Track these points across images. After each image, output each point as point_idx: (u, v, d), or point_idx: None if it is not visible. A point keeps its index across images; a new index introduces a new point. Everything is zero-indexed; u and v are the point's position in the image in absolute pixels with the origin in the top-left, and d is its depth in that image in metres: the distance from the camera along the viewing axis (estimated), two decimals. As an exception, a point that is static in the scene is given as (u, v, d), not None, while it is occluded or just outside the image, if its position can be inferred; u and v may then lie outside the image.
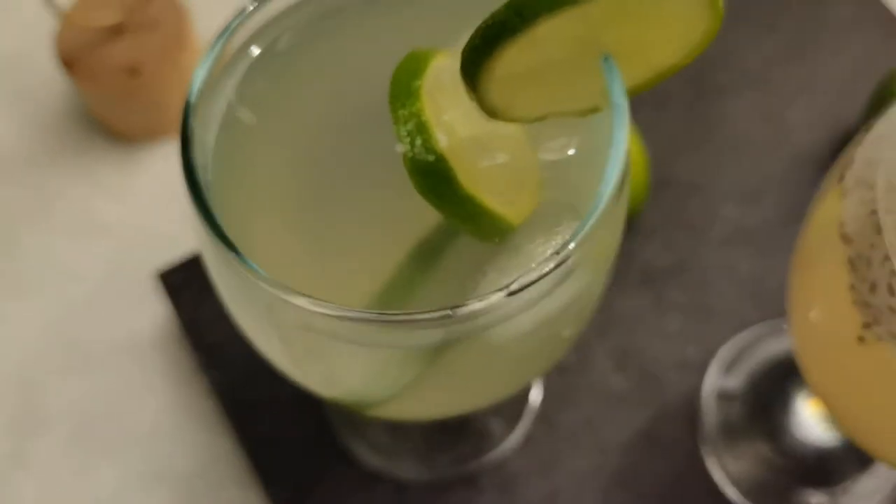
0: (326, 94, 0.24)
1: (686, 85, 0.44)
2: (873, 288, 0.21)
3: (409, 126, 0.21)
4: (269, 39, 0.24)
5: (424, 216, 0.22)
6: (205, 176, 0.22)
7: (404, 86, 0.21)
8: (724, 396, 0.37)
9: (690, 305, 0.39)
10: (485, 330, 0.20)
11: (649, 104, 0.43)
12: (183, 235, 0.44)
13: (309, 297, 0.19)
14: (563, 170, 0.22)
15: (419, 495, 0.36)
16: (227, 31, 0.23)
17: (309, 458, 0.37)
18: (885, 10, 0.46)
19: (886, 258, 0.21)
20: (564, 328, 0.24)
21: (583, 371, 0.38)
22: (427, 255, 0.22)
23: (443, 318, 0.19)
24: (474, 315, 0.19)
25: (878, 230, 0.21)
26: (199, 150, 0.22)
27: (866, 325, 0.22)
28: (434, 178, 0.21)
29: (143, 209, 0.46)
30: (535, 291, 0.20)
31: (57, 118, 0.49)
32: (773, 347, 0.38)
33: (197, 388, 0.42)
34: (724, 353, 0.38)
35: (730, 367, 0.38)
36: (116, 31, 0.45)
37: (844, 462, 0.36)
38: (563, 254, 0.20)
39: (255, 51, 0.24)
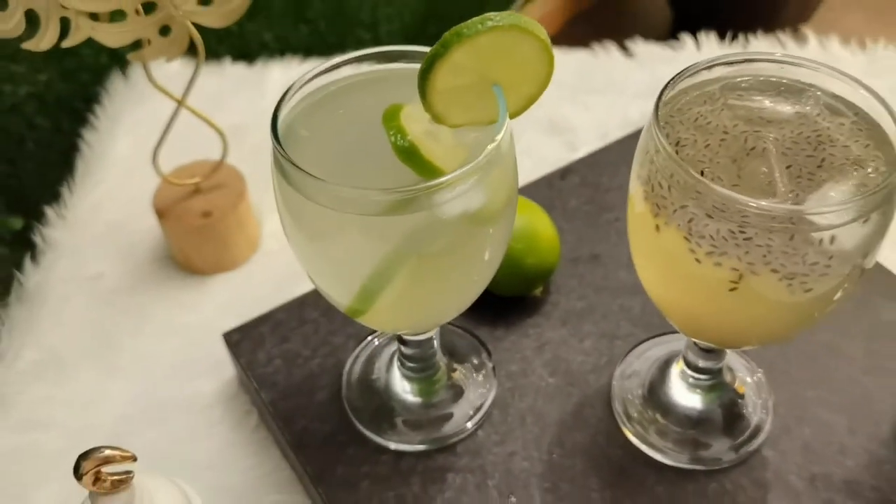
0: (346, 123, 0.40)
1: (584, 190, 0.61)
2: (653, 188, 0.37)
3: (394, 130, 0.38)
4: (311, 97, 0.41)
5: (401, 169, 0.37)
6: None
7: (390, 115, 0.38)
8: (626, 386, 0.50)
9: (599, 333, 0.53)
10: (440, 206, 0.35)
11: (560, 211, 0.60)
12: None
13: (336, 183, 0.34)
14: (475, 147, 0.38)
15: (412, 461, 0.48)
16: (290, 91, 0.40)
17: (334, 443, 0.49)
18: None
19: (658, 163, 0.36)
20: (488, 229, 0.39)
21: (526, 376, 0.51)
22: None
23: (418, 189, 0.34)
24: (437, 187, 0.34)
25: (657, 150, 0.36)
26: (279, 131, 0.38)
27: (656, 215, 0.37)
28: (406, 152, 0.37)
29: (207, 321, 0.61)
30: (466, 181, 0.35)
31: (148, 258, 0.65)
32: (655, 353, 0.52)
33: (245, 411, 0.55)
34: (625, 361, 0.52)
35: (629, 369, 0.51)
36: (196, 190, 0.63)
37: (712, 413, 0.49)
38: (476, 161, 0.35)
39: (302, 99, 0.41)
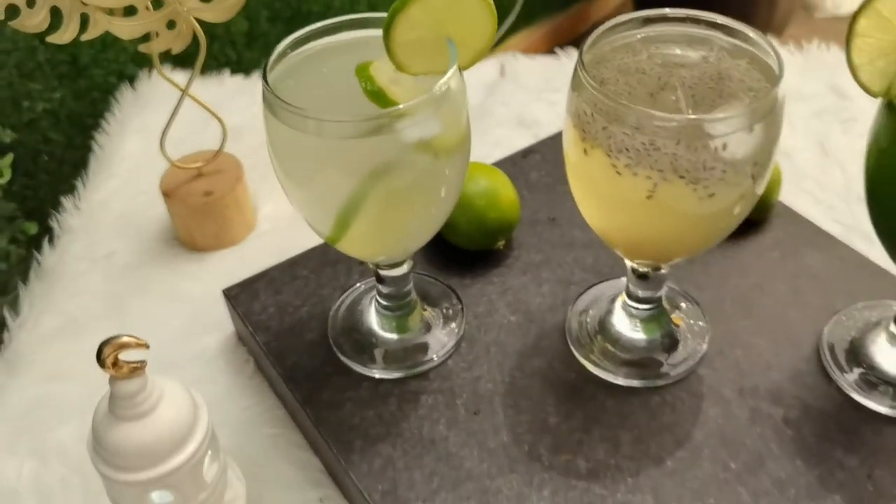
0: (327, 77, 0.47)
1: (544, 165, 0.68)
2: (580, 117, 0.43)
3: (364, 78, 0.45)
4: (298, 53, 0.48)
5: (372, 109, 0.44)
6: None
7: (362, 68, 0.45)
8: (578, 320, 0.57)
9: (556, 280, 0.60)
10: (401, 131, 0.42)
11: (522, 182, 0.67)
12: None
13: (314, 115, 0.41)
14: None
15: (389, 386, 0.54)
16: (277, 51, 0.47)
17: (321, 374, 0.55)
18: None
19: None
20: (443, 165, 0.45)
21: (490, 316, 0.58)
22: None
23: (386, 115, 0.41)
24: (396, 113, 0.41)
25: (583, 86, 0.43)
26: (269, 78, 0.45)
27: (583, 140, 0.44)
28: (375, 95, 0.44)
29: (212, 291, 0.67)
30: (421, 111, 0.42)
31: (156, 238, 0.72)
32: (604, 292, 0.58)
33: (244, 360, 0.61)
34: (579, 300, 0.58)
35: (581, 306, 0.58)
36: (199, 174, 0.70)
37: (653, 341, 0.55)
38: (429, 94, 0.42)
39: (292, 55, 0.47)
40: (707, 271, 0.60)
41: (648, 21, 0.47)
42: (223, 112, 0.69)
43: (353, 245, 0.49)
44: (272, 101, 0.43)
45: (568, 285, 0.60)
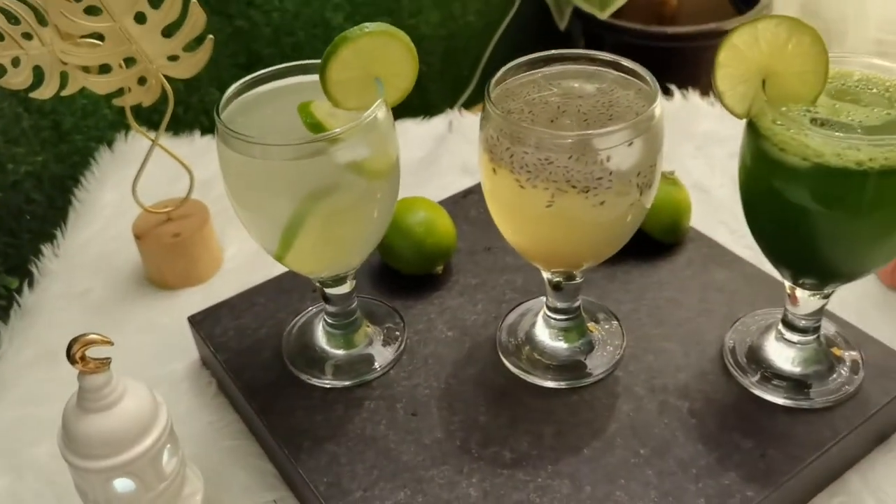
0: (272, 115, 0.54)
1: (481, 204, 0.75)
2: (488, 142, 0.50)
3: (305, 114, 0.51)
4: (248, 95, 0.55)
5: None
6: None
7: (303, 106, 0.52)
8: (507, 332, 0.62)
9: (489, 300, 0.66)
10: (335, 152, 0.49)
11: (462, 218, 0.73)
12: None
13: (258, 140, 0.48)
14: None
15: (336, 394, 0.59)
16: (229, 93, 0.54)
17: (275, 386, 0.60)
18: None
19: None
20: (374, 188, 0.52)
21: (429, 332, 0.64)
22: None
23: (322, 139, 0.48)
24: (330, 137, 0.48)
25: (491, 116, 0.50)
26: (222, 116, 0.51)
27: (491, 161, 0.50)
28: (313, 127, 0.51)
29: (179, 323, 0.73)
30: (351, 136, 0.49)
31: (129, 278, 0.78)
32: (530, 308, 0.64)
33: (207, 383, 0.66)
34: (508, 316, 0.64)
35: (510, 321, 0.64)
36: (168, 218, 0.76)
37: (573, 348, 0.61)
38: (357, 122, 0.49)
39: (243, 97, 0.54)
40: (626, 288, 0.66)
41: (551, 60, 0.54)
42: (194, 167, 0.76)
43: (298, 261, 0.55)
44: (225, 133, 0.50)
45: (500, 304, 0.66)
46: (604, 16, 1.51)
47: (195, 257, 0.76)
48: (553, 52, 0.54)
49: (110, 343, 0.47)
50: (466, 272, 0.69)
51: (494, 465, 0.54)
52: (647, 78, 0.52)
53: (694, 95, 0.93)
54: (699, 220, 0.73)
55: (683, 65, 1.52)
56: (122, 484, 0.49)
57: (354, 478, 0.54)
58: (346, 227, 0.54)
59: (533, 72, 0.54)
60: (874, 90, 0.50)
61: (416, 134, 0.95)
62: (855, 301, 0.69)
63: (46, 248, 0.82)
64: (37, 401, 0.66)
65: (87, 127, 1.05)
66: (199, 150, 0.93)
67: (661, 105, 0.50)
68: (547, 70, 0.54)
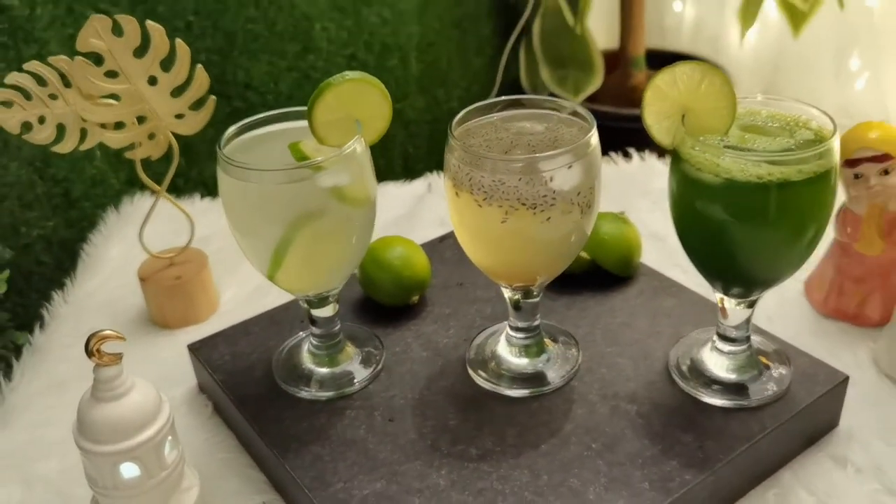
0: (267, 153, 0.63)
1: (455, 248, 0.83)
2: (451, 169, 0.59)
3: (294, 150, 0.60)
4: (245, 137, 0.64)
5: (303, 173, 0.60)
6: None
7: (292, 144, 0.61)
8: (476, 351, 0.70)
9: (460, 326, 0.73)
10: (319, 177, 0.57)
11: (439, 259, 0.82)
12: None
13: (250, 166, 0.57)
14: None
15: (321, 405, 0.66)
16: (229, 133, 0.63)
17: (266, 399, 0.67)
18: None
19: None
20: (353, 216, 0.60)
21: (406, 353, 0.71)
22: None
23: (308, 165, 0.57)
24: (314, 164, 0.57)
25: (453, 149, 0.59)
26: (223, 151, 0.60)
27: (455, 186, 0.59)
28: (302, 160, 0.60)
29: (179, 357, 0.80)
30: (333, 165, 0.57)
31: (133, 320, 0.85)
32: (499, 330, 0.71)
33: (203, 405, 0.73)
34: (477, 337, 0.72)
35: (478, 342, 0.71)
36: (170, 263, 0.84)
37: (533, 363, 0.68)
38: (338, 152, 0.58)
39: (240, 138, 0.63)
40: (582, 314, 0.74)
41: (507, 106, 0.64)
42: (194, 225, 0.85)
43: (287, 279, 0.63)
44: (225, 163, 0.59)
45: (470, 329, 0.73)
46: (577, 100, 1.63)
47: (194, 299, 0.83)
48: (507, 97, 0.63)
49: (123, 339, 0.54)
50: (441, 303, 0.77)
51: (462, 459, 0.61)
52: (586, 116, 0.61)
53: (651, 157, 1.03)
54: (655, 263, 0.81)
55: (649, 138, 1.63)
56: (128, 469, 0.55)
57: (336, 472, 0.60)
58: (329, 249, 0.62)
59: (490, 115, 0.64)
60: (777, 124, 0.59)
61: (397, 194, 1.04)
62: (792, 325, 0.77)
63: (57, 295, 0.89)
64: (46, 424, 0.73)
65: (96, 195, 1.14)
66: (200, 210, 1.02)
67: (596, 136, 0.59)
68: (502, 114, 0.64)
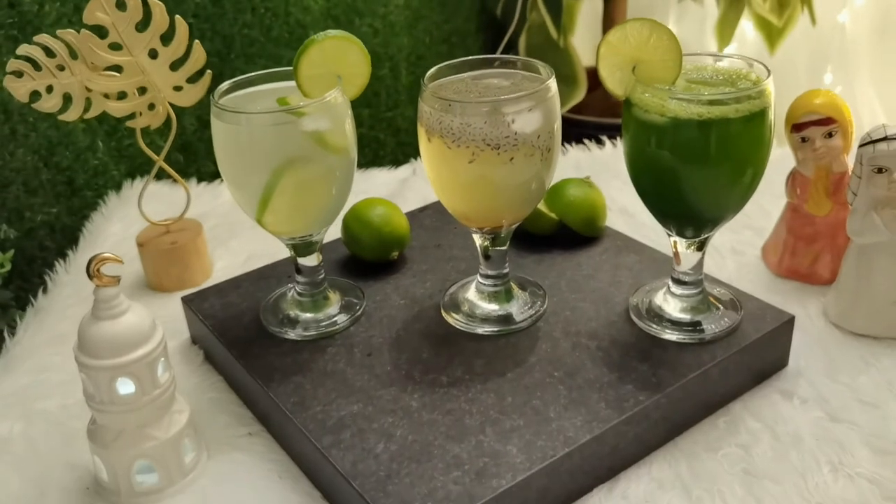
0: (258, 105, 0.69)
1: (435, 215, 0.89)
2: (416, 119, 0.65)
3: (282, 103, 0.66)
4: (237, 94, 0.70)
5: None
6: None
7: (281, 98, 0.67)
8: (449, 298, 0.75)
9: (436, 279, 0.79)
10: (302, 121, 0.63)
11: (419, 224, 0.87)
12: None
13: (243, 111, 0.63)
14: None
15: (304, 344, 0.71)
16: (223, 88, 0.69)
17: (253, 340, 0.72)
18: None
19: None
20: (333, 164, 0.66)
21: (385, 301, 0.76)
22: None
23: (291, 109, 0.62)
24: (298, 108, 0.62)
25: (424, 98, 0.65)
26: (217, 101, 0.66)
27: (427, 132, 0.64)
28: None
29: (174, 315, 0.85)
30: (314, 110, 0.63)
31: (132, 284, 0.90)
32: (470, 281, 0.77)
33: (195, 353, 0.77)
34: (451, 287, 0.77)
35: (452, 290, 0.76)
36: (167, 230, 0.90)
37: (503, 305, 0.73)
38: (319, 98, 0.64)
39: (232, 94, 0.69)
40: (551, 268, 0.79)
41: (476, 65, 0.69)
42: (192, 205, 0.90)
43: (273, 222, 0.68)
44: (218, 110, 0.65)
45: (445, 282, 0.78)
46: (562, 111, 1.69)
47: (189, 263, 0.89)
48: (477, 56, 0.69)
49: (121, 261, 0.60)
50: (419, 261, 0.82)
51: (433, 386, 0.65)
52: (547, 70, 0.67)
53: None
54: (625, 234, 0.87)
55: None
56: (124, 385, 0.60)
57: (316, 398, 0.65)
58: (311, 195, 0.67)
59: (461, 75, 0.69)
60: (722, 77, 0.65)
61: (384, 179, 1.10)
62: (749, 287, 0.81)
63: (59, 265, 0.94)
64: (47, 369, 0.78)
65: (97, 184, 1.20)
66: (197, 192, 1.08)
67: (554, 84, 0.65)
68: (472, 73, 0.70)
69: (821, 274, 0.81)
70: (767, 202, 0.93)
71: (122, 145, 1.22)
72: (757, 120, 0.60)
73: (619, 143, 1.10)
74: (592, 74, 1.82)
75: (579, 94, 1.72)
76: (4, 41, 1.07)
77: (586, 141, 1.12)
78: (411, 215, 0.89)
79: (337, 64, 0.67)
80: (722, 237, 0.90)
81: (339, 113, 0.67)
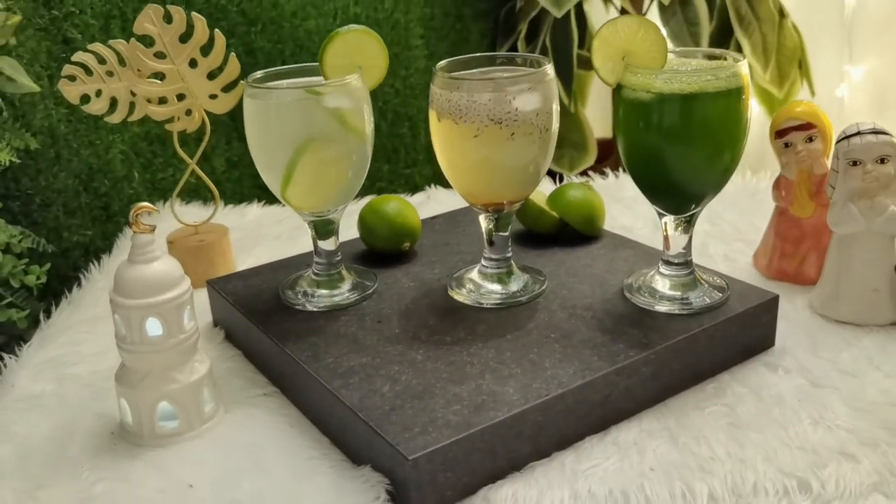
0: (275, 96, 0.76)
1: (446, 221, 0.95)
2: (434, 99, 0.71)
3: (310, 91, 0.74)
4: (269, 84, 0.77)
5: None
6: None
7: (308, 89, 0.75)
8: (456, 280, 0.80)
9: (444, 267, 0.84)
10: (324, 97, 0.70)
11: (430, 227, 0.93)
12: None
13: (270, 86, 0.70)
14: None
15: (319, 314, 0.76)
16: (254, 75, 0.76)
17: (274, 312, 0.77)
18: None
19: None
20: (351, 145, 0.72)
21: (396, 283, 0.81)
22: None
23: (315, 85, 0.70)
24: (320, 87, 0.70)
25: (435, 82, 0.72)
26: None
27: (437, 112, 0.71)
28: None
29: (198, 306, 0.90)
30: (334, 88, 0.70)
31: (158, 279, 0.96)
32: (475, 266, 0.82)
33: (217, 332, 0.82)
34: (457, 272, 0.82)
35: (457, 274, 0.81)
36: (195, 231, 0.96)
37: (509, 287, 0.78)
38: (339, 79, 0.71)
39: (267, 81, 0.77)
40: (552, 259, 0.84)
41: (483, 62, 0.77)
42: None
43: (295, 195, 0.75)
44: (251, 88, 0.72)
45: (452, 269, 0.84)
46: (572, 174, 1.77)
47: (214, 261, 0.95)
48: (483, 54, 0.77)
49: (157, 211, 0.66)
50: (429, 254, 0.87)
51: (438, 344, 0.70)
52: (546, 61, 0.74)
53: (624, 175, 1.16)
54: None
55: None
56: (153, 326, 0.65)
57: (328, 352, 0.70)
58: (329, 172, 0.74)
59: (469, 70, 0.77)
60: (703, 67, 0.72)
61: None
62: (739, 284, 0.86)
63: (93, 266, 1.01)
64: (80, 343, 0.83)
65: (131, 212, 1.27)
66: (224, 213, 1.15)
67: (552, 69, 0.72)
68: (480, 69, 0.77)
69: (808, 274, 0.86)
70: (759, 220, 0.98)
71: (155, 178, 1.30)
72: (732, 95, 0.67)
73: (622, 175, 1.17)
74: (603, 146, 1.91)
75: (589, 160, 1.80)
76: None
77: (590, 173, 1.19)
78: (423, 222, 0.96)
79: (358, 55, 0.74)
80: (715, 247, 0.96)
81: (359, 97, 0.74)
